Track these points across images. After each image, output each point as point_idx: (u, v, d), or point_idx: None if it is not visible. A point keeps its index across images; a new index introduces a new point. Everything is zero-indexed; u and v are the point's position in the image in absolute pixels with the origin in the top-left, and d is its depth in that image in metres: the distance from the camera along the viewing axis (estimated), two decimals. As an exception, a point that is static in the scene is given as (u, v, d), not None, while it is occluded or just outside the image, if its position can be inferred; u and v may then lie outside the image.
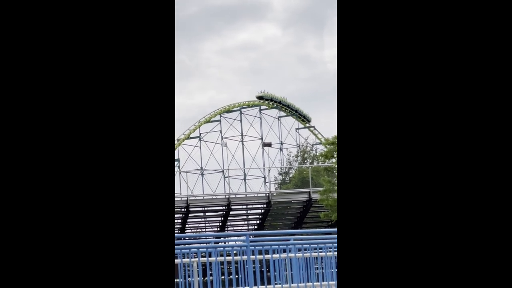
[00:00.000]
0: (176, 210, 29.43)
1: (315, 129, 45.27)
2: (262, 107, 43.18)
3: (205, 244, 10.62)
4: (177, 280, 9.49)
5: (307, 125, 45.08)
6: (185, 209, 29.15)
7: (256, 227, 31.71)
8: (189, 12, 73.94)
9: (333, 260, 9.79)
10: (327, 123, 74.11)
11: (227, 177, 37.16)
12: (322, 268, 9.92)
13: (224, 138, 41.23)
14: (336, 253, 9.45)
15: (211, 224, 32.39)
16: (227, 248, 10.12)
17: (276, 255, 9.86)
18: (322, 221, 28.44)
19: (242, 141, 41.84)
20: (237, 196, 31.82)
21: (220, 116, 41.53)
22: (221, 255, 9.86)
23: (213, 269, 9.89)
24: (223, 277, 9.89)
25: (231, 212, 30.46)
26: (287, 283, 9.80)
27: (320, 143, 42.94)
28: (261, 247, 9.60)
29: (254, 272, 9.20)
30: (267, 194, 30.71)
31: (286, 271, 10.33)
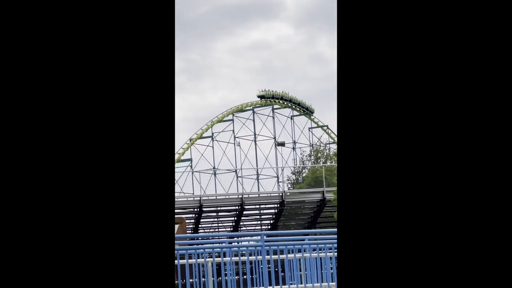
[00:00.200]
0: (189, 210, 29.46)
1: (328, 128, 45.19)
2: (275, 106, 43.12)
3: (219, 244, 10.57)
4: (191, 280, 9.44)
5: (320, 124, 44.99)
6: (198, 209, 29.16)
7: (269, 227, 31.67)
8: (200, 11, 74.10)
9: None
10: (340, 123, 73.74)
11: (240, 176, 37.15)
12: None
13: (237, 137, 41.23)
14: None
15: (224, 224, 32.39)
16: (241, 248, 10.05)
17: (291, 255, 9.79)
18: (336, 221, 28.35)
19: (255, 141, 41.81)
20: (250, 196, 31.78)
21: (233, 115, 41.53)
22: (236, 255, 9.80)
23: (228, 269, 9.83)
24: (237, 277, 9.83)
25: (244, 212, 30.44)
26: (301, 283, 9.72)
27: (333, 142, 42.87)
28: (276, 247, 9.52)
29: (269, 272, 9.13)
30: (281, 194, 30.66)
31: (300, 271, 10.26)
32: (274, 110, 43.20)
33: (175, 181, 35.51)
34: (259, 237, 9.61)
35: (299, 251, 9.90)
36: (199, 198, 29.70)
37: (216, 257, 9.55)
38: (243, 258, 9.48)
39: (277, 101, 42.49)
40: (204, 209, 29.42)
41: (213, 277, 9.79)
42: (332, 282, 9.80)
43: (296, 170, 46.71)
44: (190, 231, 28.22)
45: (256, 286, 9.37)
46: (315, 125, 45.50)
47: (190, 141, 39.86)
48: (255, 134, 41.90)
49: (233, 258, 9.83)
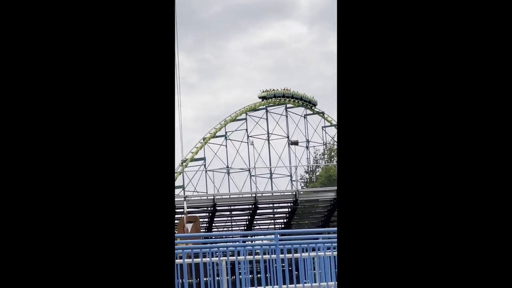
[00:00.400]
0: (202, 209, 29.49)
1: (341, 127, 44.86)
2: (288, 105, 43.06)
3: (233, 243, 10.58)
4: (206, 279, 9.46)
5: (334, 122, 44.86)
6: (211, 208, 29.19)
7: (283, 226, 31.65)
8: (213, 11, 74.12)
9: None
10: (353, 121, 73.59)
11: (253, 175, 37.15)
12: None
13: (250, 136, 41.20)
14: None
15: (237, 223, 32.40)
16: (255, 247, 10.06)
17: (305, 254, 9.79)
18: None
19: (268, 140, 41.80)
20: (264, 194, 31.78)
21: (246, 114, 41.53)
22: (250, 254, 9.81)
23: (242, 268, 9.84)
24: (251, 276, 9.84)
25: (257, 211, 30.43)
26: (315, 282, 9.72)
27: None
28: (290, 245, 9.53)
29: (283, 271, 9.13)
30: (294, 193, 30.63)
31: (314, 270, 10.26)
32: (287, 109, 43.15)
33: (189, 180, 35.60)
34: (273, 236, 9.62)
35: (313, 249, 9.90)
36: (212, 197, 29.73)
37: (230, 256, 9.56)
38: (257, 257, 9.50)
39: (279, 99, 42.27)
40: (217, 208, 29.44)
41: (227, 276, 9.81)
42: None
43: (309, 169, 46.65)
44: (204, 230, 28.27)
45: (270, 285, 9.39)
46: (329, 124, 45.38)
47: (203, 140, 39.90)
48: (268, 133, 41.89)
49: (247, 257, 9.85)
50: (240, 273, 9.69)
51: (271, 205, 31.41)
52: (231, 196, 31.79)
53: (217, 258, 9.62)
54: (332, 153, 46.03)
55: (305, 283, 9.57)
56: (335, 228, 26.47)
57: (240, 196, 31.49)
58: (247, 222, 30.99)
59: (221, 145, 40.64)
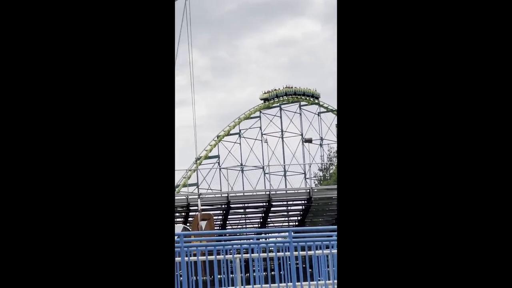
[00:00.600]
0: (216, 206, 29.54)
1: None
2: (302, 103, 42.99)
3: (247, 241, 10.60)
4: (220, 276, 9.49)
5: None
6: (225, 206, 29.23)
7: (297, 223, 31.63)
8: (227, 9, 74.15)
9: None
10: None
11: (267, 173, 37.13)
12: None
13: (264, 134, 41.17)
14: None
15: (251, 221, 32.41)
16: (269, 244, 10.07)
17: (319, 251, 9.79)
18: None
19: (282, 137, 41.74)
20: (278, 192, 31.76)
21: (260, 112, 41.49)
22: (264, 251, 9.82)
23: (256, 265, 9.86)
24: (265, 273, 9.85)
25: (271, 209, 30.43)
26: (329, 279, 9.72)
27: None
28: (304, 243, 9.53)
29: (297, 268, 9.14)
30: (308, 191, 30.60)
31: (328, 267, 10.25)
32: (301, 107, 43.09)
33: (203, 178, 35.65)
34: (286, 234, 9.62)
35: (327, 247, 9.90)
36: (226, 195, 29.76)
37: (244, 253, 9.58)
38: (271, 254, 9.50)
39: (282, 98, 42.07)
40: (231, 205, 29.48)
41: (241, 273, 9.83)
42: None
43: (323, 167, 46.54)
44: (218, 228, 28.32)
45: (284, 282, 9.39)
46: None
47: (217, 138, 39.93)
48: (282, 131, 41.83)
49: (261, 254, 9.87)
50: (254, 271, 9.71)
51: (285, 202, 31.39)
52: (245, 194, 31.82)
53: (231, 256, 9.64)
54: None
55: (319, 280, 9.57)
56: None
57: (254, 193, 31.50)
58: (261, 220, 31.00)
59: (235, 142, 40.63)
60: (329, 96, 43.18)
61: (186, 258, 8.72)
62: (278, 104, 42.21)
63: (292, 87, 42.30)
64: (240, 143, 40.65)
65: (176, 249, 9.16)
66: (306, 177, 40.56)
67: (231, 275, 9.68)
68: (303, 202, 30.60)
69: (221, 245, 9.62)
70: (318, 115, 44.13)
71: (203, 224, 21.45)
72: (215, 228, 25.37)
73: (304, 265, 9.58)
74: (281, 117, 42.09)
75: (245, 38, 74.09)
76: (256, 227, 31.22)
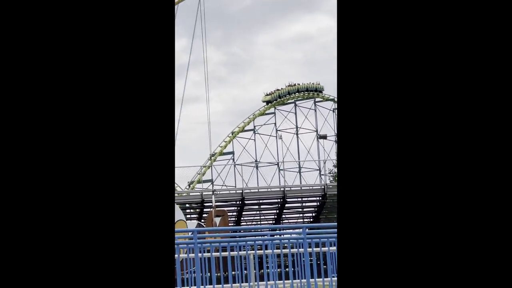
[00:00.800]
0: (231, 203, 29.58)
1: (370, 121, 44.54)
2: (317, 99, 42.91)
3: (260, 237, 10.58)
4: (234, 272, 9.48)
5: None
6: (240, 202, 29.26)
7: (311, 220, 31.61)
8: (242, 5, 74.17)
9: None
10: (382, 115, 73.24)
11: (282, 169, 37.12)
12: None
13: (279, 130, 41.12)
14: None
15: (266, 217, 32.43)
16: (283, 241, 10.05)
17: (333, 248, 9.75)
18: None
19: (297, 134, 41.67)
20: (292, 188, 31.76)
21: (275, 108, 41.45)
22: (278, 248, 9.80)
23: (270, 262, 9.84)
24: (279, 269, 9.83)
25: (286, 205, 30.44)
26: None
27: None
28: (318, 239, 9.49)
29: (311, 265, 9.11)
30: (323, 187, 30.57)
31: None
32: (316, 103, 43.01)
33: (218, 174, 35.68)
34: (301, 230, 9.60)
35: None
36: (241, 191, 29.81)
37: (258, 249, 9.56)
38: (285, 250, 9.48)
39: (286, 97, 41.82)
40: (246, 202, 29.51)
41: (255, 269, 9.82)
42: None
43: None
44: (233, 224, 28.35)
45: (298, 279, 9.37)
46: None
47: (232, 134, 39.95)
48: (297, 127, 41.76)
49: (275, 250, 9.85)
50: (267, 267, 9.69)
51: (300, 199, 31.38)
52: (259, 190, 31.83)
53: (244, 252, 9.63)
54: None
55: (333, 277, 9.53)
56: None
57: (269, 190, 31.50)
58: (276, 216, 31.01)
59: (249, 139, 40.63)
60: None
61: (199, 254, 8.72)
62: (293, 101, 42.14)
63: (294, 85, 42.05)
64: (254, 140, 40.64)
65: (190, 245, 9.16)
66: (321, 173, 40.50)
67: (245, 272, 9.66)
68: (317, 198, 30.58)
69: (234, 241, 9.61)
70: (333, 111, 44.03)
71: (217, 220, 21.47)
72: (230, 224, 25.39)
73: (318, 262, 9.55)
74: (296, 113, 42.03)
75: (260, 34, 74.09)
76: (270, 223, 31.23)
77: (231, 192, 30.91)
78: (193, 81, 66.89)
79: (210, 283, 9.21)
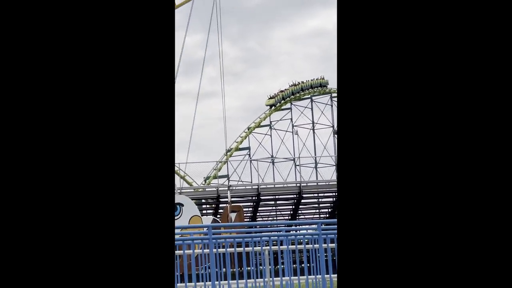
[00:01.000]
0: (247, 198, 29.58)
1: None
2: (334, 94, 42.78)
3: (275, 233, 10.56)
4: (249, 268, 9.45)
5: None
6: (256, 197, 29.25)
7: (327, 215, 31.54)
8: (259, 0, 74.13)
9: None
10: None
11: (298, 165, 37.04)
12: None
13: (295, 126, 41.06)
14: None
15: (282, 212, 32.40)
16: (298, 237, 10.01)
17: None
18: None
19: (313, 129, 41.57)
20: (308, 184, 31.68)
21: (291, 104, 41.37)
22: (293, 244, 9.76)
23: (285, 258, 9.80)
24: (294, 265, 9.80)
25: (302, 201, 30.39)
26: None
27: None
28: (333, 235, 9.44)
29: (326, 260, 9.06)
30: (339, 183, 30.40)
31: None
32: (332, 98, 42.88)
33: (234, 170, 35.71)
34: (316, 226, 9.56)
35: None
36: (257, 187, 29.79)
37: (273, 245, 9.53)
38: (300, 246, 9.44)
39: (290, 97, 41.53)
40: (262, 197, 29.49)
41: (270, 265, 9.79)
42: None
43: (354, 159, 46.19)
44: (248, 219, 28.35)
45: (313, 275, 9.33)
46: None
47: (248, 129, 39.93)
48: (313, 123, 41.66)
49: (290, 246, 9.81)
50: (282, 263, 9.65)
51: (316, 195, 31.32)
52: (275, 186, 31.79)
53: (259, 248, 9.60)
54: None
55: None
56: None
57: (285, 185, 31.45)
58: (291, 212, 30.97)
59: (265, 134, 40.60)
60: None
61: (214, 250, 8.71)
62: (309, 96, 42.03)
63: (298, 84, 41.76)
64: (271, 135, 40.59)
65: (204, 241, 9.15)
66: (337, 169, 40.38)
67: (260, 267, 9.64)
68: (334, 194, 30.47)
69: (249, 237, 9.58)
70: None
71: (232, 216, 21.47)
72: (245, 220, 25.39)
73: (334, 258, 9.50)
74: (312, 108, 41.92)
75: (276, 29, 73.98)
76: (286, 219, 31.20)
77: (247, 187, 30.90)
78: (209, 76, 66.96)
79: (225, 279, 9.19)
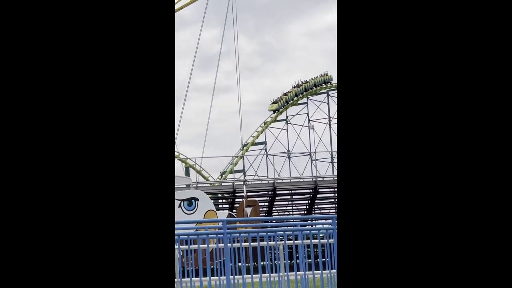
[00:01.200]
0: (263, 193, 29.56)
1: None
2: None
3: (291, 227, 10.53)
4: (263, 263, 9.44)
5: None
6: (272, 192, 29.23)
7: (343, 210, 31.42)
8: (275, -6, 73.98)
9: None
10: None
11: (314, 160, 36.97)
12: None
13: (311, 120, 40.97)
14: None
15: (298, 207, 32.35)
16: (313, 231, 9.97)
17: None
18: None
19: (329, 124, 41.46)
20: (325, 179, 31.59)
21: (307, 98, 41.27)
22: (308, 238, 9.73)
23: (300, 252, 9.78)
24: (309, 260, 9.78)
25: (318, 195, 30.32)
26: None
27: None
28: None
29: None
30: (355, 177, 30.33)
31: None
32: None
33: (250, 164, 35.70)
34: (331, 220, 9.52)
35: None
36: (273, 181, 29.76)
37: (288, 240, 9.51)
38: (315, 241, 9.41)
39: (293, 100, 41.19)
40: (278, 192, 29.47)
41: (284, 260, 9.77)
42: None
43: (371, 153, 46.03)
44: (264, 214, 28.35)
45: (328, 269, 9.30)
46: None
47: (264, 124, 39.89)
48: (329, 117, 41.55)
49: (305, 241, 9.78)
50: (297, 257, 9.63)
51: (332, 189, 31.24)
52: (291, 180, 31.75)
53: (274, 242, 9.58)
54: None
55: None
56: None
57: (301, 180, 31.40)
58: (307, 207, 30.92)
59: (282, 129, 40.53)
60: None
61: (229, 245, 8.70)
62: (325, 91, 41.91)
63: (301, 85, 41.44)
64: (287, 130, 40.53)
65: (219, 235, 9.15)
66: (354, 164, 40.19)
67: (275, 262, 9.63)
68: (350, 189, 30.35)
69: (264, 232, 9.57)
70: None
71: (248, 210, 21.48)
72: (261, 214, 25.40)
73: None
74: (328, 103, 41.80)
75: (293, 23, 73.85)
76: (302, 214, 31.15)
77: (263, 182, 30.88)
78: (226, 71, 67.00)
79: (240, 274, 9.19)
